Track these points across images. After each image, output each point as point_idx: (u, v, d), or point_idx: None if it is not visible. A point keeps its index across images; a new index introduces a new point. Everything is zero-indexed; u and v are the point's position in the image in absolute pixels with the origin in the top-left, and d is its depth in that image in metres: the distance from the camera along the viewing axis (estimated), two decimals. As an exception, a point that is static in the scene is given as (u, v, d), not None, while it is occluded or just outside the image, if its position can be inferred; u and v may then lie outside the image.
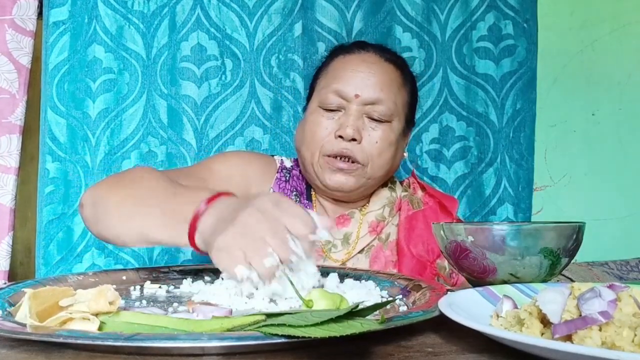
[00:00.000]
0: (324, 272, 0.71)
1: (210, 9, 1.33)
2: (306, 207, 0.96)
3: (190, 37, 1.32)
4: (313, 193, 0.98)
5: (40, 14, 1.28)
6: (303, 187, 0.99)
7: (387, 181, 1.00)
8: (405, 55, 1.39)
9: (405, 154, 0.99)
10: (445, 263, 0.95)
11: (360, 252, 0.93)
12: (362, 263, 0.92)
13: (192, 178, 0.87)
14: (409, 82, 0.97)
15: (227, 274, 0.54)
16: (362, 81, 0.89)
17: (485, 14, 1.41)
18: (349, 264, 0.92)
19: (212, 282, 0.64)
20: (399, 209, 0.98)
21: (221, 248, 0.54)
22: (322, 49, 1.35)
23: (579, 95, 1.53)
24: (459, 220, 1.03)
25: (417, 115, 1.39)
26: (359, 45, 0.96)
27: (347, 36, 1.37)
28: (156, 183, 0.73)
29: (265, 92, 1.34)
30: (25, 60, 1.26)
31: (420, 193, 1.00)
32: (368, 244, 0.94)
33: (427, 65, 1.39)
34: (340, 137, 0.88)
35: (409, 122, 0.98)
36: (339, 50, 0.97)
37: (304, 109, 1.00)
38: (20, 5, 1.26)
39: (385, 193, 0.99)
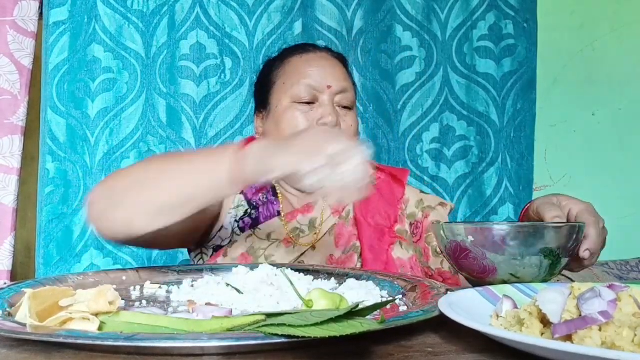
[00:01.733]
0: (326, 272, 0.71)
1: (209, 8, 1.33)
2: (273, 202, 1.00)
3: (190, 35, 1.32)
4: (278, 189, 1.01)
5: (41, 15, 1.28)
6: (268, 186, 1.02)
7: None
8: (405, 54, 1.40)
9: None
10: (406, 226, 0.99)
11: (327, 233, 0.97)
12: (328, 242, 0.97)
13: None
14: (351, 76, 1.06)
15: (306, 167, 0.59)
16: (329, 74, 0.97)
17: (485, 14, 1.41)
18: (318, 246, 0.95)
19: (212, 282, 0.64)
20: None
21: (296, 148, 0.61)
22: (322, 48, 1.35)
23: (579, 95, 1.53)
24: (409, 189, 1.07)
25: (418, 115, 1.41)
26: (312, 45, 1.05)
27: (347, 35, 1.37)
28: (166, 155, 0.76)
29: (265, 91, 1.34)
30: (27, 61, 1.26)
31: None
32: (333, 225, 0.98)
33: (428, 65, 1.39)
34: (324, 124, 0.93)
35: None
36: (292, 51, 1.02)
37: (258, 114, 1.03)
38: (22, 7, 1.26)
39: None
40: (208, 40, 1.33)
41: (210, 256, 0.95)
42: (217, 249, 0.95)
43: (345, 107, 0.97)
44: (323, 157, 0.58)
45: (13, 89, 1.25)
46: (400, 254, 0.95)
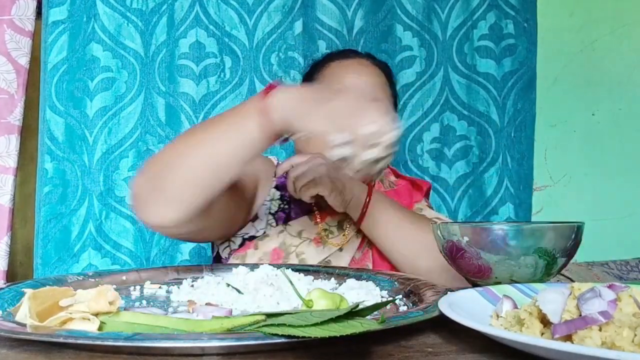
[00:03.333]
0: (326, 272, 0.71)
1: (209, 6, 1.32)
2: (300, 202, 0.99)
3: (189, 34, 1.32)
4: None
5: (39, 14, 1.28)
6: None
7: None
8: (406, 54, 1.40)
9: None
10: None
11: (354, 235, 0.97)
12: (355, 244, 0.97)
13: None
14: (393, 86, 1.07)
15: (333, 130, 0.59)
16: (364, 82, 0.97)
17: (486, 13, 1.41)
18: (345, 247, 0.96)
19: (212, 282, 0.64)
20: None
21: (327, 111, 0.60)
22: (322, 47, 1.35)
23: (579, 95, 1.53)
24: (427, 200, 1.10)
25: (418, 114, 1.41)
26: (353, 52, 1.07)
27: (348, 35, 1.37)
28: (191, 129, 0.75)
29: (265, 90, 1.34)
30: (24, 61, 1.26)
31: (392, 178, 1.07)
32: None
33: (428, 64, 1.39)
34: None
35: None
36: (333, 56, 1.05)
37: None
38: (19, 6, 1.25)
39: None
40: (207, 38, 1.33)
41: (240, 246, 0.95)
42: (248, 239, 0.95)
43: None
44: (354, 134, 0.58)
45: (10, 88, 1.25)
46: None
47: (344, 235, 0.96)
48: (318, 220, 0.97)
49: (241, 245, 0.95)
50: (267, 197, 0.99)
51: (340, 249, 0.95)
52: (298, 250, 0.92)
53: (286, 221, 0.96)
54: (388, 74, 1.05)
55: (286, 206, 0.99)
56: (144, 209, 0.72)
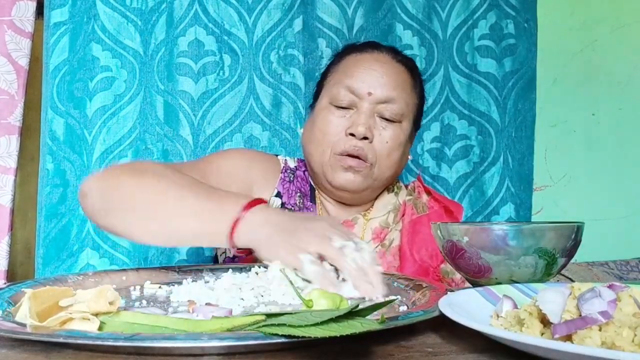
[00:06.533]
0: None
1: (208, 5, 1.32)
2: (309, 209, 0.96)
3: (188, 32, 1.31)
4: (317, 195, 0.98)
5: (39, 15, 1.28)
6: (307, 188, 0.98)
7: (392, 186, 1.00)
8: (406, 53, 1.39)
9: (410, 157, 1.00)
10: (449, 267, 0.94)
11: None
12: None
13: (195, 173, 0.85)
14: (419, 85, 0.97)
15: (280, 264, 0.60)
16: (375, 80, 0.89)
17: (486, 13, 1.41)
18: None
19: (212, 282, 0.64)
20: (403, 215, 0.97)
21: (279, 242, 0.61)
22: (322, 45, 1.35)
23: (579, 95, 1.53)
24: None
25: (417, 114, 1.41)
26: (372, 45, 0.97)
27: (348, 33, 1.37)
28: (174, 176, 0.72)
29: (264, 88, 1.34)
30: (24, 62, 1.26)
31: (425, 197, 0.99)
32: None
33: (429, 63, 1.39)
34: (352, 134, 0.88)
35: (416, 125, 0.98)
36: (351, 49, 0.97)
37: (310, 107, 1.00)
38: (19, 7, 1.26)
39: (389, 199, 0.98)
40: (206, 37, 1.32)
41: (234, 256, 0.91)
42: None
43: (386, 119, 0.89)
44: (310, 255, 0.58)
45: (10, 89, 1.25)
46: None
47: None
48: None
49: (234, 257, 0.91)
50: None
51: None
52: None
53: None
54: (413, 71, 0.96)
55: None
56: (92, 214, 0.74)
